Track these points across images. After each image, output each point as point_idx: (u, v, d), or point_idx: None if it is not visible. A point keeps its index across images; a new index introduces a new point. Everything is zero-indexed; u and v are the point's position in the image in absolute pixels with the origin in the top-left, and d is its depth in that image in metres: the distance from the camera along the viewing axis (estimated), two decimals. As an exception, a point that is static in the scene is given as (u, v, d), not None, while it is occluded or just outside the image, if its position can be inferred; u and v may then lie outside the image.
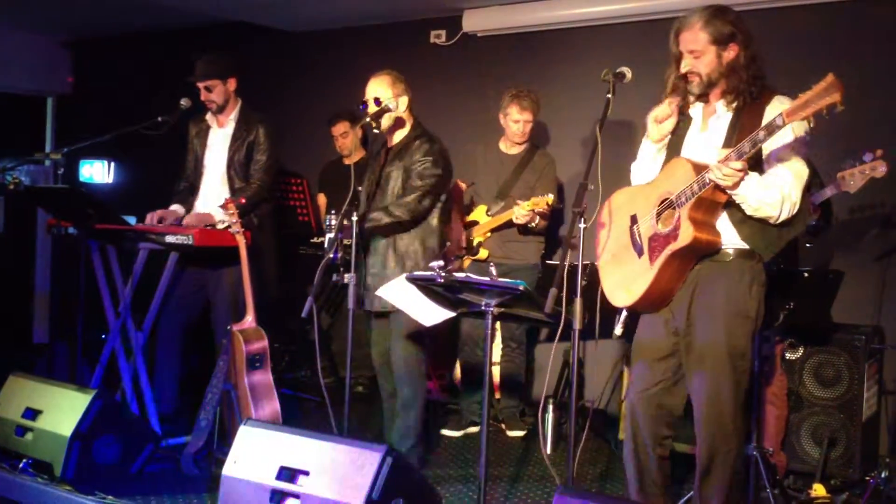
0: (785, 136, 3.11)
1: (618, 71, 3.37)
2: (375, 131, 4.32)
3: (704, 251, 3.22)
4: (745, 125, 3.17)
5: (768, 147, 3.14)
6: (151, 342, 4.90)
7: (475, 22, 6.39)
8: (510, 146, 5.39)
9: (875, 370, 4.59)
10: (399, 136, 4.47)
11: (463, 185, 5.38)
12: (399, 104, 4.36)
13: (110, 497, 3.85)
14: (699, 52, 3.21)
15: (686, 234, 3.13)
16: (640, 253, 3.34)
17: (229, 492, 3.33)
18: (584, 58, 5.95)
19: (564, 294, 3.22)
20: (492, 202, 5.32)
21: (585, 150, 5.65)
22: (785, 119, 2.90)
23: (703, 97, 3.32)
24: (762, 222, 3.18)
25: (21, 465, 4.02)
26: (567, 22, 6.03)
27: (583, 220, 3.19)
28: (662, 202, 3.27)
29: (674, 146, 3.41)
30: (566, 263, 3.23)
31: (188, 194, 5.06)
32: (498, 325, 5.29)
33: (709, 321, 3.23)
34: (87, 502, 3.68)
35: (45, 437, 4.03)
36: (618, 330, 3.50)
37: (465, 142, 5.54)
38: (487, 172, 5.39)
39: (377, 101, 4.31)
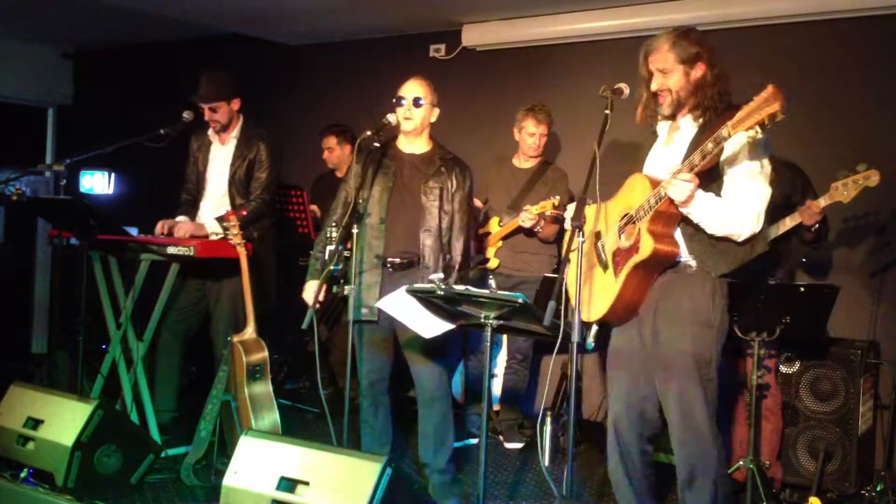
0: (742, 155, 3.20)
1: (616, 87, 3.41)
2: (375, 145, 4.22)
3: (665, 262, 3.31)
4: (706, 140, 3.23)
5: (728, 167, 3.23)
6: (151, 352, 4.92)
7: (474, 36, 6.43)
8: (524, 161, 5.45)
9: (870, 385, 4.62)
10: (418, 147, 4.36)
11: (479, 204, 5.39)
12: (433, 113, 4.31)
13: (111, 507, 3.89)
14: (669, 70, 3.32)
15: (646, 247, 3.23)
16: (605, 268, 3.42)
17: (230, 502, 3.36)
18: (583, 73, 5.99)
19: (563, 307, 3.26)
20: (504, 214, 5.36)
21: (584, 164, 5.69)
22: (730, 130, 3.00)
23: (672, 115, 3.42)
24: (715, 241, 3.28)
25: (22, 475, 4.04)
26: (566, 37, 6.07)
27: (582, 233, 3.23)
28: (623, 217, 3.36)
29: (642, 165, 3.52)
30: (564, 276, 3.27)
31: (191, 207, 5.08)
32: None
33: (674, 330, 3.31)
34: (87, 512, 3.71)
35: (46, 447, 4.04)
36: (590, 343, 3.54)
37: (464, 156, 5.58)
38: (500, 187, 5.45)
39: (417, 102, 4.23)
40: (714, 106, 3.31)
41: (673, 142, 3.43)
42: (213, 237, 4.77)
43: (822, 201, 4.20)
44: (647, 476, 3.52)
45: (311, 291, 4.10)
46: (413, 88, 4.26)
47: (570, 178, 5.49)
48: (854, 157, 4.19)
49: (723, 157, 3.24)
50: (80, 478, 3.96)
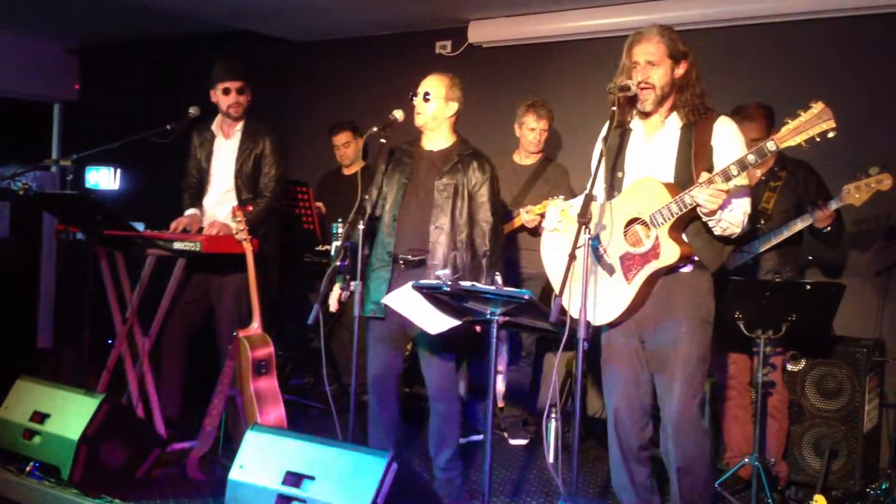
0: (735, 154, 3.21)
1: (623, 84, 3.41)
2: (382, 141, 4.15)
3: (684, 265, 3.33)
4: (698, 141, 3.29)
5: (721, 166, 3.22)
6: (157, 347, 4.93)
7: (480, 33, 6.44)
8: (524, 157, 5.44)
9: (876, 383, 4.62)
10: (439, 143, 4.30)
11: None
12: (448, 108, 4.22)
13: (117, 500, 3.90)
14: (657, 62, 3.34)
15: (672, 253, 3.25)
16: (610, 272, 3.39)
17: (235, 496, 3.36)
18: (589, 70, 5.99)
19: (569, 303, 3.25)
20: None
21: (587, 161, 5.68)
22: (778, 144, 3.05)
23: (650, 113, 3.42)
24: (710, 237, 3.33)
25: (28, 469, 4.05)
26: (572, 34, 6.07)
27: (588, 230, 3.23)
28: (631, 221, 3.34)
29: (620, 161, 3.49)
30: (570, 273, 3.26)
31: (197, 200, 5.07)
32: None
33: (675, 329, 3.34)
34: (93, 506, 3.72)
35: (52, 441, 4.05)
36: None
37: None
38: (501, 183, 5.41)
39: (426, 96, 4.18)
40: (698, 105, 3.35)
41: (655, 143, 3.42)
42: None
43: (834, 204, 4.20)
44: (647, 468, 3.56)
45: (332, 299, 4.27)
46: (426, 83, 4.24)
47: (577, 174, 5.49)
48: (867, 159, 4.18)
49: (716, 156, 3.28)
50: (85, 472, 3.96)
